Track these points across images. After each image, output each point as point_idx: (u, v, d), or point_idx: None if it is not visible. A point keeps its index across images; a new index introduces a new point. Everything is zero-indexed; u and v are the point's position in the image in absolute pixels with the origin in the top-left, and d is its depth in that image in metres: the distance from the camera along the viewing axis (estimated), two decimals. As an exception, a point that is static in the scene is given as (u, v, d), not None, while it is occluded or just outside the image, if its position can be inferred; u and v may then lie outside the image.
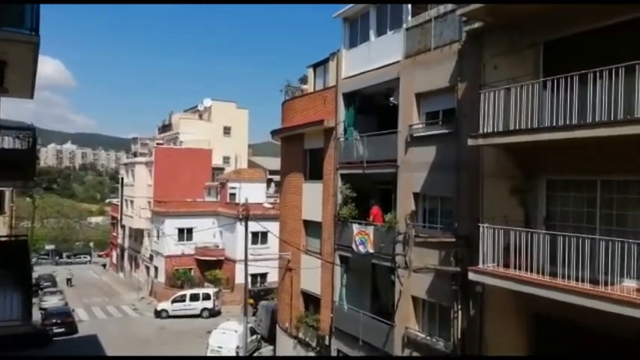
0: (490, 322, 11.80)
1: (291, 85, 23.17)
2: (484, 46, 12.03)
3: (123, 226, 55.85)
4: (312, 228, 20.52)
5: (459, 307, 12.71)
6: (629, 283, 8.50)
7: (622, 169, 9.20)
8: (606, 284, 8.49)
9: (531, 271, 9.68)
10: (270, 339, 27.36)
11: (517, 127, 9.98)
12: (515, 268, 9.94)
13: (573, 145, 9.44)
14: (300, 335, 20.84)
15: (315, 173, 20.20)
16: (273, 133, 23.17)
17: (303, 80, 23.10)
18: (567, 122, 9.10)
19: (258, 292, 36.35)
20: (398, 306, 15.14)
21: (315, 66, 21.45)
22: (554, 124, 9.35)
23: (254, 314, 32.78)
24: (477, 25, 12.18)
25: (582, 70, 8.81)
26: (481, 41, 12.14)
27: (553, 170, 10.47)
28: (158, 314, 36.35)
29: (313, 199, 19.95)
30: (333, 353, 18.51)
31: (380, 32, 16.58)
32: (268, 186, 48.35)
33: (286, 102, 22.78)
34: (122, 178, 56.58)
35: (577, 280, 8.89)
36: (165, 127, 60.96)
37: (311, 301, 20.61)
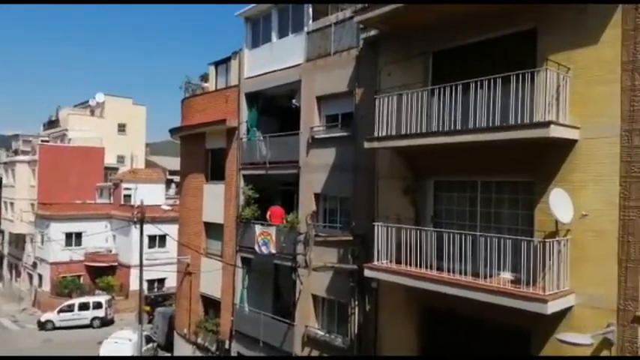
0: (384, 316, 12.36)
1: (192, 82, 22.54)
2: (379, 53, 12.60)
3: (2, 231, 50.77)
4: (213, 230, 20.09)
5: (356, 303, 13.17)
6: (505, 275, 9.34)
7: (499, 171, 10.10)
8: (486, 277, 9.28)
9: (421, 266, 10.29)
10: (168, 346, 26.30)
11: (407, 132, 10.61)
12: (406, 264, 10.53)
13: (457, 149, 10.17)
14: (199, 340, 20.31)
15: (216, 174, 19.80)
16: (173, 131, 22.37)
17: (204, 78, 22.56)
18: (451, 127, 9.85)
19: (155, 299, 34.80)
20: (298, 305, 15.33)
21: (216, 64, 21.05)
22: (440, 129, 10.09)
23: (150, 321, 31.34)
24: (372, 33, 12.73)
25: (466, 79, 9.56)
26: (377, 49, 12.71)
27: (440, 172, 11.23)
28: (42, 326, 33.42)
29: (215, 201, 19.54)
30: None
31: (282, 34, 16.71)
32: (168, 187, 46.51)
33: (186, 99, 22.09)
34: (1, 179, 51.38)
35: (461, 273, 9.62)
36: (52, 124, 56.29)
37: (211, 305, 20.16)
